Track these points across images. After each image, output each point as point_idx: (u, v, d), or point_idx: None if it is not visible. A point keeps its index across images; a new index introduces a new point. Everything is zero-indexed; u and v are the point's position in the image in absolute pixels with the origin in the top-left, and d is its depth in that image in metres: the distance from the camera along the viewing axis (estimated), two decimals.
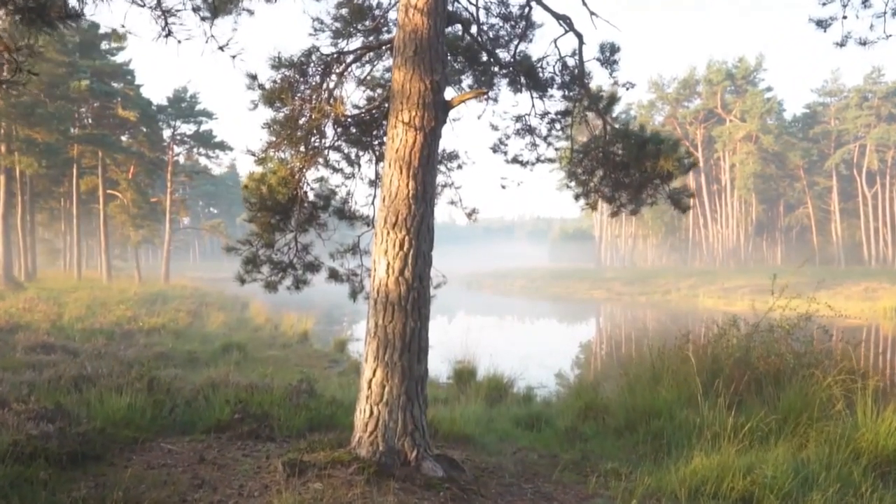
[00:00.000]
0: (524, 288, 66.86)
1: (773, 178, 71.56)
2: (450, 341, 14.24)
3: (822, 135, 71.13)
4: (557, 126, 7.82)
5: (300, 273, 7.04)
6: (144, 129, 41.66)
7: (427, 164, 5.25)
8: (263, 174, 6.31)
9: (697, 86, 75.90)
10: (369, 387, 5.15)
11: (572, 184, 7.89)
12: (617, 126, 7.04)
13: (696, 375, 7.55)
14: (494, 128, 8.07)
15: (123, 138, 42.65)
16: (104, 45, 40.87)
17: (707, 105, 74.77)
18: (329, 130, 6.89)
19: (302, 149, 6.56)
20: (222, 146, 47.62)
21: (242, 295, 31.91)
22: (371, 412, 5.12)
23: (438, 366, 13.55)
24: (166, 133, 46.60)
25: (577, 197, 7.99)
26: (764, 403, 7.09)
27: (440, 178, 7.83)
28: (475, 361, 12.22)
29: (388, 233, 5.18)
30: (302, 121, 6.25)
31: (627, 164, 7.02)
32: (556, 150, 8.09)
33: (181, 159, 51.98)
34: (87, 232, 56.97)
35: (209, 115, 46.69)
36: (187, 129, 47.22)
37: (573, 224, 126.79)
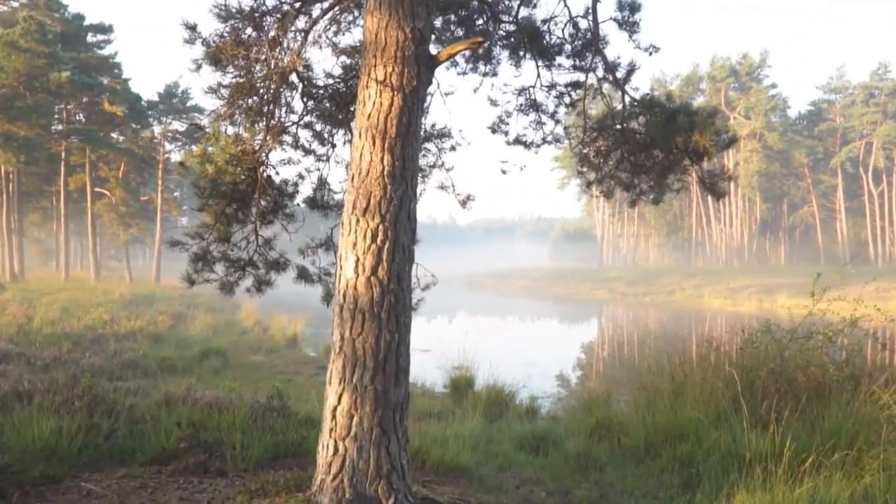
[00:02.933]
0: (525, 288, 65.89)
1: (778, 176, 70.50)
2: (447, 346, 13.21)
3: (828, 132, 70.02)
4: (567, 100, 6.69)
5: (262, 272, 5.92)
6: (134, 126, 40.42)
7: (407, 134, 4.14)
8: (207, 151, 5.18)
9: (701, 83, 74.88)
10: (333, 417, 4.04)
11: (584, 169, 6.81)
12: (639, 97, 5.93)
13: (727, 389, 6.56)
14: (493, 103, 6.94)
15: (114, 135, 41.40)
16: (90, 38, 39.66)
17: (711, 102, 73.49)
18: (297, 104, 5.79)
19: (262, 123, 5.45)
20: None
21: (237, 295, 30.61)
22: (335, 449, 4.01)
23: (433, 373, 12.52)
24: (157, 129, 45.49)
25: (588, 184, 6.90)
26: (807, 424, 6.04)
27: (428, 159, 6.72)
28: (474, 368, 11.22)
29: (358, 220, 4.07)
30: (258, 85, 5.13)
31: (650, 143, 5.92)
32: (566, 128, 6.96)
33: (177, 157, 50.74)
34: (79, 231, 55.79)
35: (202, 112, 45.52)
36: (179, 125, 46.06)
37: (574, 224, 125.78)
